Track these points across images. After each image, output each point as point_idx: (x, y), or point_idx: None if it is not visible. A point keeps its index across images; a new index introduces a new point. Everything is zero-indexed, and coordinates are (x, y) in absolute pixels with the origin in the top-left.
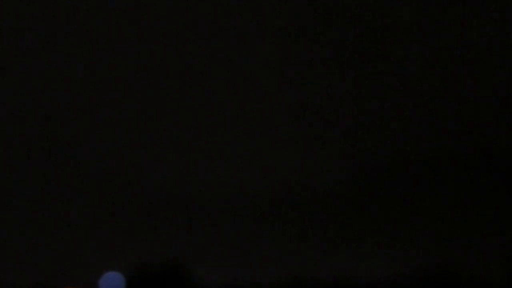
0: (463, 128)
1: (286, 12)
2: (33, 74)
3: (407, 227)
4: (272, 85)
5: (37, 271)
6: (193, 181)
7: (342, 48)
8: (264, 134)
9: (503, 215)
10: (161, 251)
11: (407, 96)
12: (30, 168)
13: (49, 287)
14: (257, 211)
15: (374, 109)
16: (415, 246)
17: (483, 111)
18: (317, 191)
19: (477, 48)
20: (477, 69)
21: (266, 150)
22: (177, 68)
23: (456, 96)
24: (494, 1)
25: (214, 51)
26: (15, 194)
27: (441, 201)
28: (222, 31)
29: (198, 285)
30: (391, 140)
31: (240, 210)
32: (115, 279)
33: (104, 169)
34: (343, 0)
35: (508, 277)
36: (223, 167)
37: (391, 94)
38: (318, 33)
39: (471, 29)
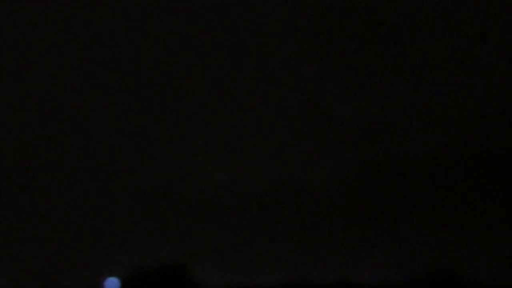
0: (463, 129)
1: (286, 11)
2: (35, 73)
3: (408, 228)
4: (274, 85)
5: (36, 276)
6: (191, 186)
7: (342, 49)
8: (265, 137)
9: (503, 216)
10: (159, 257)
11: (407, 96)
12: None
13: None
14: (254, 213)
15: (375, 110)
16: (415, 247)
17: (485, 112)
18: (318, 193)
19: (478, 48)
20: (478, 70)
21: (267, 152)
22: (178, 69)
23: (457, 97)
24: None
25: (216, 51)
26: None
27: (442, 202)
28: (223, 29)
29: None
30: (392, 141)
31: (236, 214)
32: (113, 283)
33: (104, 174)
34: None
35: (508, 277)
36: (221, 170)
37: (392, 94)
38: (320, 32)
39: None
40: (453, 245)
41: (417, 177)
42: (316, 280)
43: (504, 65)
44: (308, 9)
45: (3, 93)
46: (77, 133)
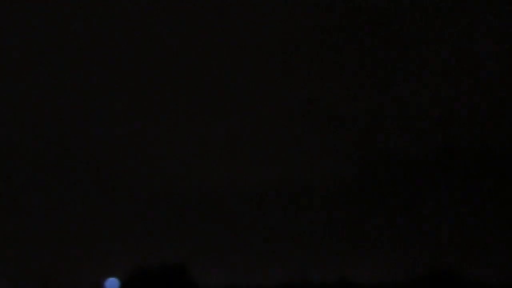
0: (463, 130)
1: (286, 11)
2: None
3: (408, 228)
4: (274, 85)
5: (36, 276)
6: (191, 186)
7: (342, 49)
8: (265, 136)
9: (503, 216)
10: (159, 257)
11: (407, 96)
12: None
13: None
14: (254, 213)
15: (375, 110)
16: (415, 247)
17: (485, 112)
18: (318, 192)
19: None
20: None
21: (267, 151)
22: (180, 68)
23: (457, 97)
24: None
25: (216, 51)
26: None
27: (442, 202)
28: (223, 29)
29: None
30: (392, 141)
31: (236, 214)
32: (113, 283)
33: (104, 174)
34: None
35: (508, 277)
36: (221, 169)
37: (392, 94)
38: (320, 32)
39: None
40: (453, 245)
41: (417, 177)
42: (316, 280)
43: (504, 66)
44: (308, 9)
45: (3, 93)
46: (77, 133)
